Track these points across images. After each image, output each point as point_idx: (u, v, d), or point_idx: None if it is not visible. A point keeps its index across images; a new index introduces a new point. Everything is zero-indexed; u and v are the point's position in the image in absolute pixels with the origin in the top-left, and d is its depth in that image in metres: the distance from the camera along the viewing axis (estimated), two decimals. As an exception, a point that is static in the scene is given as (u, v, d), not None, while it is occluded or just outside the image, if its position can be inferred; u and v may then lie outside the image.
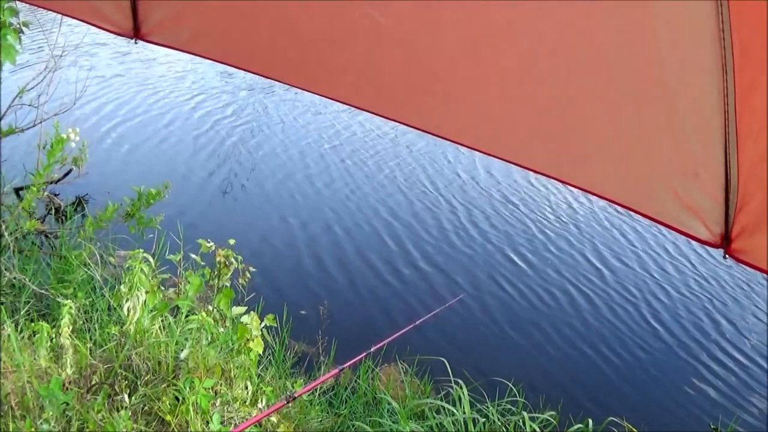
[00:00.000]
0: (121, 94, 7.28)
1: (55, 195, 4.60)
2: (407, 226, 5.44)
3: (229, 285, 3.24)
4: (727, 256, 1.24)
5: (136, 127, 6.51)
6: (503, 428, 3.01)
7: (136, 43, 1.83)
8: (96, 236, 3.68)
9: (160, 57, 8.67)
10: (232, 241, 3.36)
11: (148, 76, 8.01)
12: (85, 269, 3.32)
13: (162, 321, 2.95)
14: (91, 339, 2.85)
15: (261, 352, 2.91)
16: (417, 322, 2.66)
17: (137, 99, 7.22)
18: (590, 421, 3.12)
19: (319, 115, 7.66)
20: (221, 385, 2.82)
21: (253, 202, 5.53)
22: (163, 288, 3.06)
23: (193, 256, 3.23)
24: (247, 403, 2.83)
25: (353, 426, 3.00)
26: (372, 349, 2.38)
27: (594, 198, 6.42)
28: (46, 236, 3.95)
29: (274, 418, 2.83)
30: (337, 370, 2.18)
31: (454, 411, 2.94)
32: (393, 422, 2.96)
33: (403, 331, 2.55)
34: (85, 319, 2.97)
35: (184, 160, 6.05)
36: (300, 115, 7.57)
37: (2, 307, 2.77)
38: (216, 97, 7.71)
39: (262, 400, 2.82)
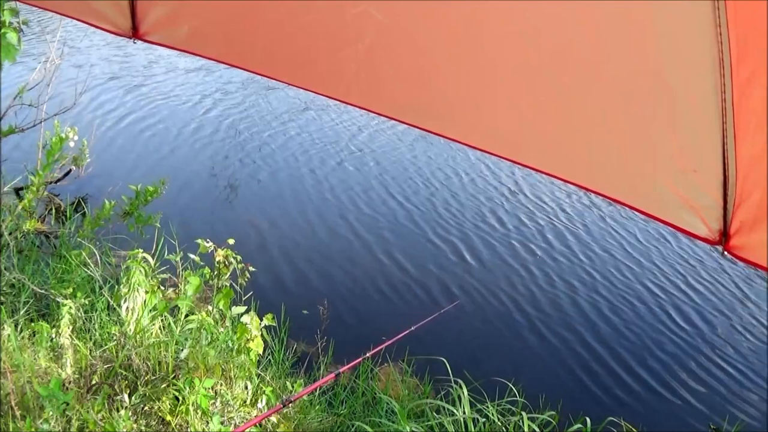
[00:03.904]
0: (122, 93, 7.29)
1: (55, 195, 4.60)
2: (407, 226, 5.44)
3: (228, 285, 3.23)
4: (725, 252, 1.24)
5: (136, 127, 6.51)
6: (503, 428, 3.00)
7: (134, 42, 1.83)
8: (95, 236, 3.68)
9: (159, 56, 8.68)
10: (231, 241, 3.36)
11: (147, 76, 8.02)
12: (85, 269, 3.32)
13: (162, 321, 2.95)
14: (91, 339, 2.85)
15: (261, 352, 2.91)
16: (413, 328, 2.65)
17: (137, 99, 7.23)
18: (589, 421, 3.11)
19: (321, 113, 7.66)
20: (221, 385, 2.82)
21: (253, 201, 5.53)
22: (162, 288, 3.06)
23: (192, 256, 3.23)
24: (247, 403, 2.83)
25: (353, 426, 3.00)
26: (368, 354, 2.40)
27: (594, 198, 6.44)
28: (46, 236, 3.95)
29: (273, 418, 2.83)
30: (332, 375, 2.18)
31: (454, 411, 2.93)
32: (392, 422, 2.95)
33: (400, 336, 2.56)
34: (85, 319, 2.96)
35: (184, 160, 6.06)
36: (301, 114, 7.56)
37: (2, 307, 2.77)
38: (215, 97, 7.71)
39: (262, 400, 2.82)
